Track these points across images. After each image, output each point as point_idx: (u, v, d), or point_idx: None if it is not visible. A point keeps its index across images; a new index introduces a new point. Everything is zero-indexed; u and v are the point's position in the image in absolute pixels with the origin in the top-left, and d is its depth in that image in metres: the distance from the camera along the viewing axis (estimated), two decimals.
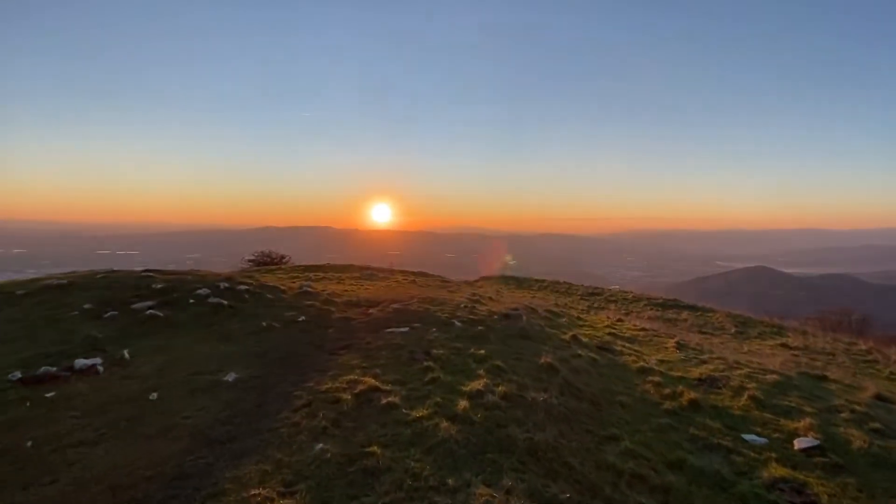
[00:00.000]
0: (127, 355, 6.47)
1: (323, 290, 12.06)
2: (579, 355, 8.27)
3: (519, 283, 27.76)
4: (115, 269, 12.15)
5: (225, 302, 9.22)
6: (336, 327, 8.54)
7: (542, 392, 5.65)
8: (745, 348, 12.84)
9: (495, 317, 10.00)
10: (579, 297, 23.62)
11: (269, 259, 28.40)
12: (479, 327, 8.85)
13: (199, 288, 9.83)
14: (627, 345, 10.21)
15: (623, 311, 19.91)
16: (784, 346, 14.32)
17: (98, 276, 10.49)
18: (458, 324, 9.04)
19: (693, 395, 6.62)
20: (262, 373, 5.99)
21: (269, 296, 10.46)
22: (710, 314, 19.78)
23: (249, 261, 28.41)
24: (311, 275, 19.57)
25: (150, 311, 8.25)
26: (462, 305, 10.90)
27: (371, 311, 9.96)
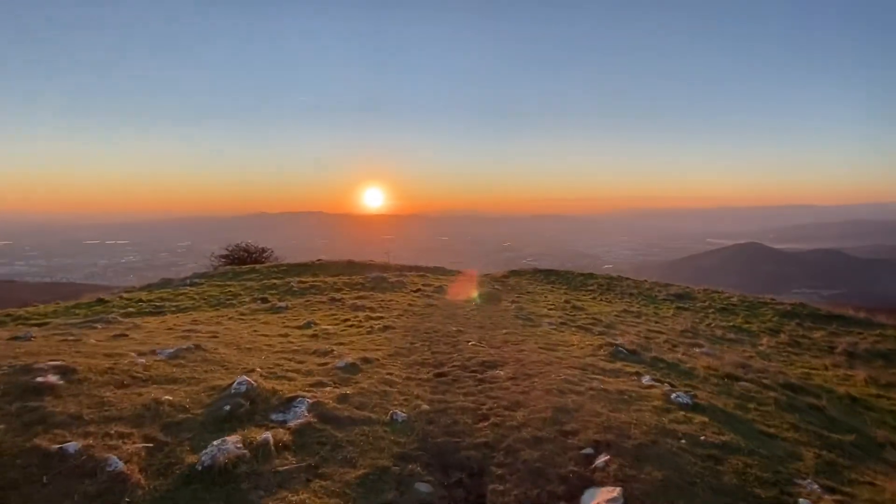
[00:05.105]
0: None
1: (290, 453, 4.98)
2: None
3: (567, 281, 19.79)
4: None
5: None
6: None
7: None
8: None
9: None
10: (673, 307, 15.81)
11: (245, 254, 23.00)
12: None
13: None
14: None
15: (771, 342, 11.46)
16: None
17: None
18: None
19: None
20: None
21: None
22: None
23: (222, 257, 22.84)
24: (294, 282, 14.20)
25: None
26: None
27: None
